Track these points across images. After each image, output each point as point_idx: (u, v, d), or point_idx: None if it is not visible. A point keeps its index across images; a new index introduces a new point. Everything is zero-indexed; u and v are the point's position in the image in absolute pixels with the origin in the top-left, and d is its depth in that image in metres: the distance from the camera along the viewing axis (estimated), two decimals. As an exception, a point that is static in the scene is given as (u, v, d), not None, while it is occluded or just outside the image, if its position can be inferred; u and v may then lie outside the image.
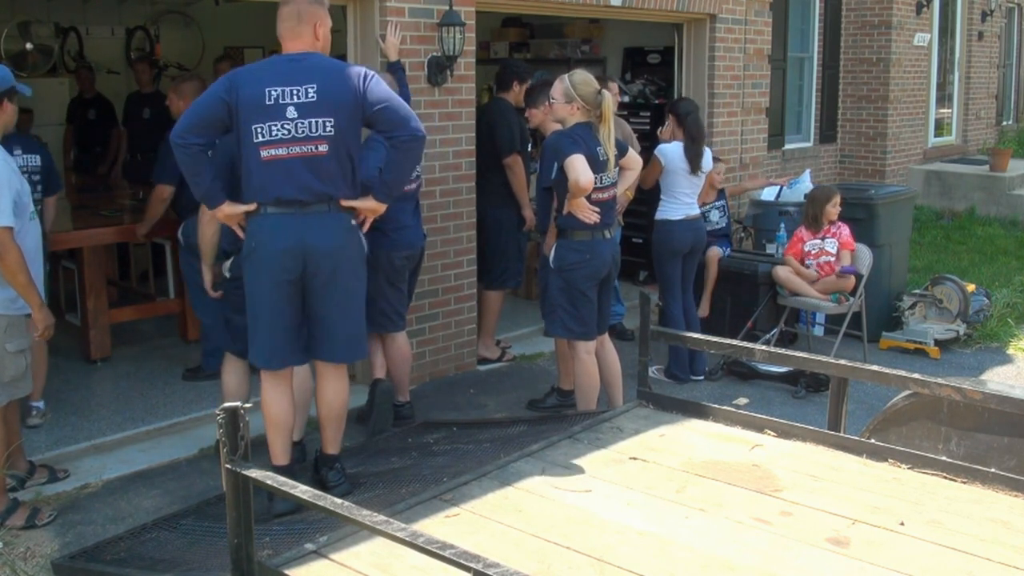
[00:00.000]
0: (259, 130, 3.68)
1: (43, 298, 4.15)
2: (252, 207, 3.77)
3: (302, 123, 3.68)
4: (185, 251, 5.84)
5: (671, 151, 5.93)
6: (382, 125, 3.77)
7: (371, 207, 3.88)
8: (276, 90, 3.67)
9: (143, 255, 7.45)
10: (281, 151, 3.69)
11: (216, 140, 3.93)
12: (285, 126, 3.67)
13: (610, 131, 4.71)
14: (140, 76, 8.50)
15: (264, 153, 3.69)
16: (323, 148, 3.71)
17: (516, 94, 6.25)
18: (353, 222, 3.88)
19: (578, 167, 4.51)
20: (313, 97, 3.68)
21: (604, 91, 4.72)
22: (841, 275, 6.31)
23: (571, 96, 4.67)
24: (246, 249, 3.84)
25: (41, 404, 5.13)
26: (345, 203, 3.81)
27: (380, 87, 3.77)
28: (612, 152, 4.74)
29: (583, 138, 4.63)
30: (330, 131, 3.71)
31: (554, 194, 4.89)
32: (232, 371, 4.48)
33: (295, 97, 3.67)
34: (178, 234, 5.88)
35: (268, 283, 3.78)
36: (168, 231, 6.10)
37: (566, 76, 4.74)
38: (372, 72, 3.81)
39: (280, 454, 4.01)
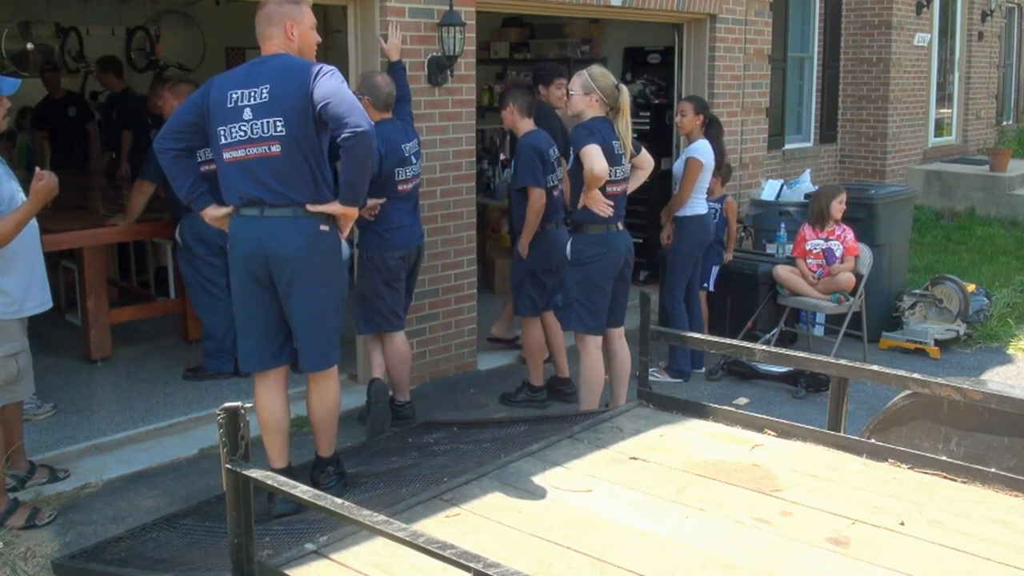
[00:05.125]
0: (223, 132, 3.70)
1: (47, 294, 4.15)
2: (230, 209, 3.82)
3: (256, 124, 3.66)
4: (184, 251, 5.86)
5: (706, 150, 5.96)
6: (330, 123, 3.66)
7: (338, 211, 3.78)
8: (236, 92, 3.69)
9: (145, 255, 7.46)
10: (240, 152, 3.69)
11: (198, 145, 3.97)
12: (242, 127, 3.67)
13: (627, 125, 4.77)
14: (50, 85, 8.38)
15: (227, 155, 3.72)
16: (276, 149, 3.67)
17: (543, 96, 6.27)
18: (324, 227, 3.79)
19: (593, 156, 4.56)
20: (265, 98, 3.66)
21: (621, 85, 4.78)
22: (835, 263, 6.34)
23: (590, 88, 4.71)
24: (228, 250, 3.89)
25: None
26: (311, 208, 3.74)
27: (327, 84, 3.64)
28: (629, 147, 4.81)
29: (600, 131, 4.68)
30: (281, 131, 3.66)
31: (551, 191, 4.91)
32: None
33: (251, 99, 3.67)
34: (176, 234, 5.90)
35: (238, 284, 3.85)
36: (168, 231, 6.11)
37: (584, 70, 4.81)
38: (328, 69, 3.70)
39: (276, 457, 4.00)
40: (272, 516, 3.76)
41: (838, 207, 6.42)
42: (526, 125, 5.49)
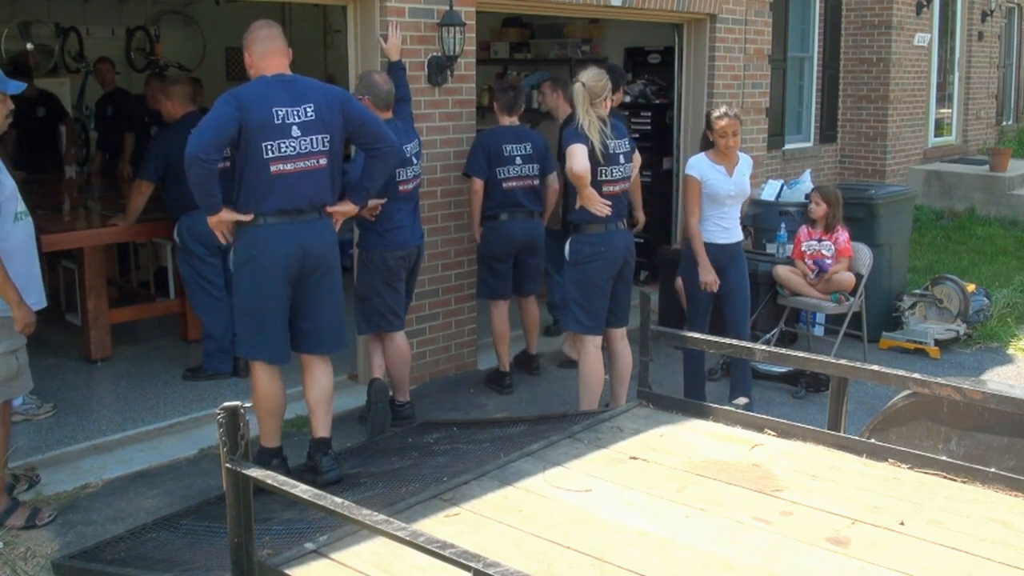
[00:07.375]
0: (269, 147, 3.97)
1: (41, 294, 4.14)
2: (248, 217, 4.03)
3: (305, 140, 4.02)
4: (183, 251, 5.86)
5: None
6: (364, 139, 4.27)
7: (348, 210, 4.34)
8: (282, 110, 3.99)
9: (145, 255, 7.45)
10: (288, 166, 4.00)
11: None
12: (291, 144, 4.00)
13: (602, 123, 4.73)
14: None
15: (273, 168, 3.99)
16: (323, 162, 4.09)
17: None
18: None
19: (575, 155, 4.62)
20: (312, 116, 4.03)
21: (580, 83, 4.75)
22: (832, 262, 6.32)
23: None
24: (243, 256, 4.11)
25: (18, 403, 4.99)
26: (329, 209, 4.21)
27: (361, 107, 4.34)
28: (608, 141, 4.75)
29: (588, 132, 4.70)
30: (326, 146, 4.08)
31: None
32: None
33: (297, 117, 4.00)
34: (174, 234, 5.90)
35: (273, 286, 4.09)
36: (168, 231, 6.10)
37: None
38: (347, 92, 4.38)
39: (275, 437, 4.37)
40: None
41: (812, 207, 6.42)
42: (504, 121, 5.76)
